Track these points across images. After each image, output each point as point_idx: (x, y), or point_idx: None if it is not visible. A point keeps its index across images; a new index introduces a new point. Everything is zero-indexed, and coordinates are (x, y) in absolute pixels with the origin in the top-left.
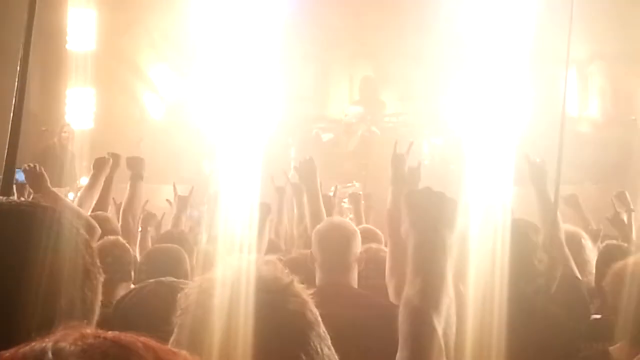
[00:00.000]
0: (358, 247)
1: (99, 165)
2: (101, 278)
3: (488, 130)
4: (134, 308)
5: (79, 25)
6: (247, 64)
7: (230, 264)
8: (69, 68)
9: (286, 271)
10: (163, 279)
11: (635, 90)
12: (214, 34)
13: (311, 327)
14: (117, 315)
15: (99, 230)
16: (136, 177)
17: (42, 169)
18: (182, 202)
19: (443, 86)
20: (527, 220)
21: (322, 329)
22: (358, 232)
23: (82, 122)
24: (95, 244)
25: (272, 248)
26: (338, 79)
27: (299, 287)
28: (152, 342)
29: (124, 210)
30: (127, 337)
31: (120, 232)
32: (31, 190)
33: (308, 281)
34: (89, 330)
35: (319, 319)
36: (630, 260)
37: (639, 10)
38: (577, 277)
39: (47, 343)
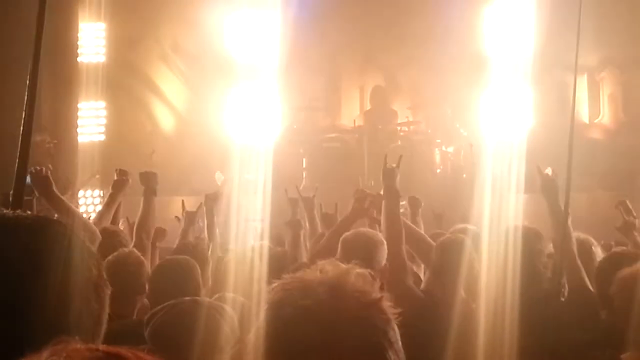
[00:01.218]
0: (383, 258)
1: (117, 185)
2: (108, 291)
3: (500, 138)
4: (168, 326)
5: (90, 38)
6: (258, 74)
7: (324, 269)
8: (80, 81)
9: (377, 285)
10: (198, 298)
11: None
12: (225, 46)
13: (391, 345)
14: (150, 333)
15: (99, 237)
16: (150, 192)
17: (49, 172)
18: (190, 218)
19: (455, 94)
20: (530, 227)
21: (400, 347)
22: (385, 243)
23: (93, 135)
24: (105, 256)
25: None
26: (349, 89)
27: (386, 304)
28: (146, 355)
29: (137, 227)
30: (119, 350)
31: (132, 247)
32: (36, 193)
33: None
34: (80, 344)
35: (399, 337)
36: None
37: None
38: (588, 288)
39: (39, 359)
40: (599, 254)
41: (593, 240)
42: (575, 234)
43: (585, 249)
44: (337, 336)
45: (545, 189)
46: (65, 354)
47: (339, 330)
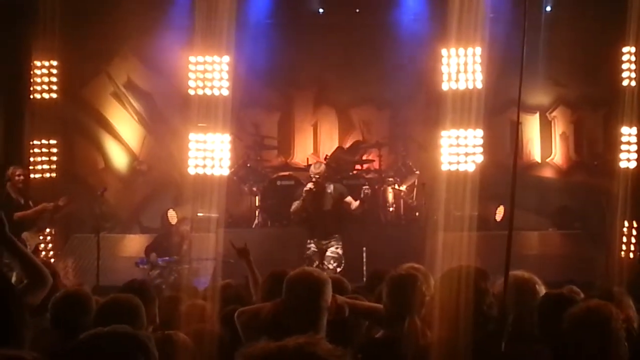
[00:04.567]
0: (329, 295)
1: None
2: (29, 333)
3: (452, 177)
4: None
5: (42, 76)
6: (212, 112)
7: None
8: (33, 118)
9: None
10: (118, 326)
11: (598, 135)
12: (180, 83)
13: None
14: None
15: (50, 280)
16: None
17: (2, 215)
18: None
19: (408, 132)
20: (475, 267)
21: None
22: (330, 281)
23: (45, 172)
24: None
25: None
26: (302, 127)
27: None
28: None
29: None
30: (20, 353)
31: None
32: None
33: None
34: None
35: None
36: (592, 303)
37: (600, 57)
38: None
39: None
40: (542, 292)
41: (537, 279)
42: (519, 273)
43: (529, 288)
44: None
45: None
46: None
47: None
